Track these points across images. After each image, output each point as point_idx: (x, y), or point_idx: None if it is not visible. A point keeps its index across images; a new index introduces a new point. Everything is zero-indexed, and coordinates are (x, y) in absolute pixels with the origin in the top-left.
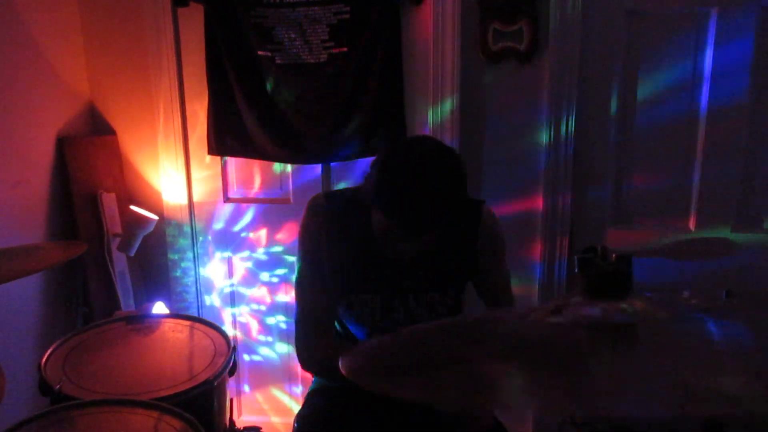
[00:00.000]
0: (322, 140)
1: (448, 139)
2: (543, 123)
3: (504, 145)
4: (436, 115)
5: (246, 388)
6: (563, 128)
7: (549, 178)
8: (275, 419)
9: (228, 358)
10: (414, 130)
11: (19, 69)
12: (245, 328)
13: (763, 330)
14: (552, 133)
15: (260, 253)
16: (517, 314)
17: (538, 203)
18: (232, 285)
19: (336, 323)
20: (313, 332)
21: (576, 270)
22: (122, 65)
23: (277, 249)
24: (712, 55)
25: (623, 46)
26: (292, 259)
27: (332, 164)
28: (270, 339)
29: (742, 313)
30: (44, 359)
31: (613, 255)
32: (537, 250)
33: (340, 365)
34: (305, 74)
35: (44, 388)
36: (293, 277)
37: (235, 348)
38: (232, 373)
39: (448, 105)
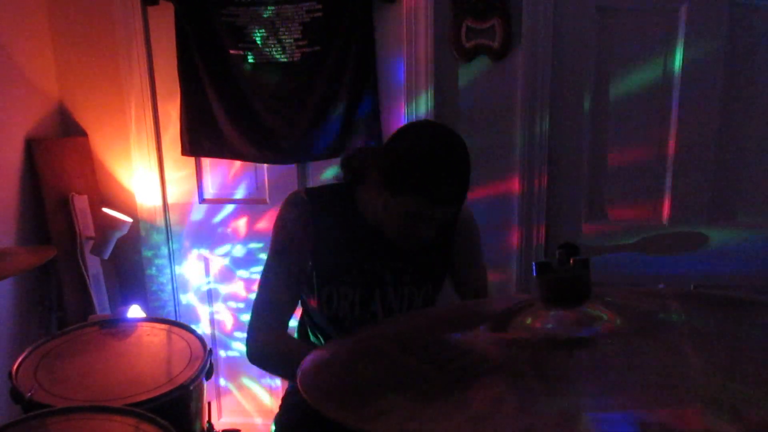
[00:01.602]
0: (297, 140)
1: None
2: (517, 119)
3: (479, 142)
4: (410, 112)
5: (226, 389)
6: (537, 124)
7: (524, 174)
8: (256, 420)
9: (204, 361)
10: (389, 128)
11: None
12: (222, 327)
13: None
14: (526, 129)
15: (237, 252)
16: (467, 323)
17: (514, 198)
18: (208, 283)
19: (303, 325)
20: (268, 325)
21: (534, 274)
22: (92, 65)
23: (254, 247)
24: (683, 50)
25: (595, 42)
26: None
27: (308, 163)
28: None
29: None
30: (15, 366)
31: (571, 259)
32: (513, 245)
33: (297, 375)
34: (278, 73)
35: (15, 395)
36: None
37: (211, 351)
38: (209, 376)
39: (422, 102)
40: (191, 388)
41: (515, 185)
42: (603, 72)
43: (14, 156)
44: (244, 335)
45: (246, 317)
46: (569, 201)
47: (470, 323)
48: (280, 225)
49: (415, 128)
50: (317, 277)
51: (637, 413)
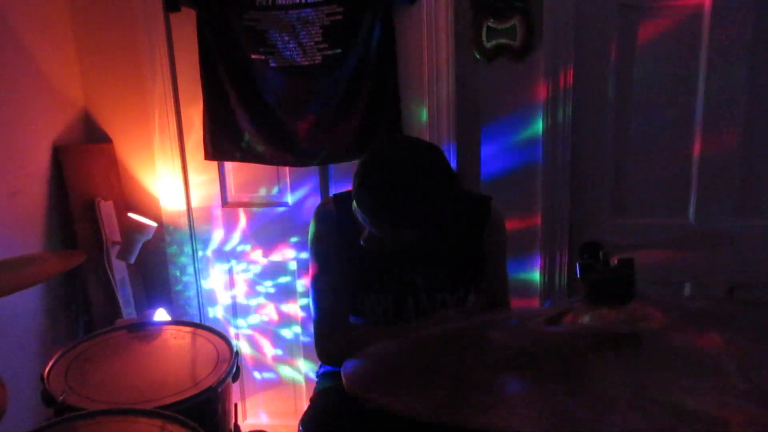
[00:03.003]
0: (319, 142)
1: (445, 137)
2: (539, 118)
3: (501, 142)
4: (431, 114)
5: (251, 390)
6: (560, 123)
7: (547, 173)
8: (279, 422)
9: (231, 364)
10: (410, 129)
11: (12, 78)
12: (249, 331)
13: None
14: (549, 128)
15: (259, 256)
16: (516, 321)
17: (537, 198)
18: (232, 287)
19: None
20: (331, 328)
21: (577, 275)
22: (116, 72)
23: (276, 252)
24: (707, 46)
25: (618, 40)
26: (292, 255)
27: (330, 166)
28: (274, 340)
29: (744, 318)
30: (47, 370)
31: (615, 259)
32: (536, 244)
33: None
34: (299, 76)
35: (47, 398)
36: (308, 281)
37: (238, 353)
38: (235, 378)
39: (443, 104)
40: (219, 390)
41: (537, 185)
42: (626, 70)
43: (42, 162)
44: (270, 341)
45: (273, 319)
46: (592, 199)
47: (514, 323)
48: (316, 242)
49: (380, 150)
50: (350, 285)
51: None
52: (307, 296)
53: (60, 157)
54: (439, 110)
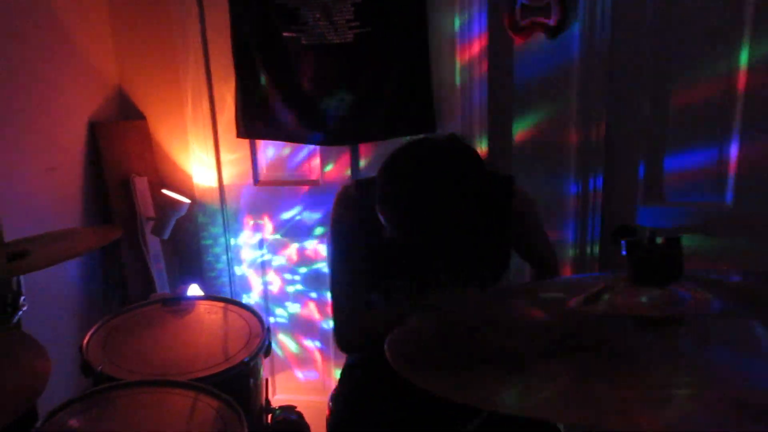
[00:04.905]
0: (349, 121)
1: (477, 119)
2: (573, 99)
3: (534, 123)
4: (464, 95)
5: (281, 367)
6: (594, 104)
7: (580, 156)
8: (309, 397)
9: (263, 340)
10: (441, 109)
11: (50, 56)
12: (278, 308)
13: None
14: (583, 108)
15: (291, 233)
16: (558, 297)
17: (570, 181)
18: (263, 265)
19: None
20: (350, 314)
21: (623, 253)
22: (150, 49)
23: (307, 228)
24: (751, 24)
25: (655, 18)
26: (321, 233)
27: (360, 145)
28: (303, 318)
29: None
30: (85, 341)
31: (662, 238)
32: (569, 228)
33: (386, 346)
34: (331, 55)
35: (86, 369)
36: (327, 262)
37: (269, 329)
38: (267, 353)
39: (476, 84)
40: (251, 365)
41: (570, 167)
42: (664, 49)
43: (79, 138)
44: (299, 317)
45: (302, 298)
46: (625, 182)
47: (554, 300)
48: (336, 227)
49: (400, 159)
50: (373, 273)
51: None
52: None
53: (96, 133)
54: (472, 90)
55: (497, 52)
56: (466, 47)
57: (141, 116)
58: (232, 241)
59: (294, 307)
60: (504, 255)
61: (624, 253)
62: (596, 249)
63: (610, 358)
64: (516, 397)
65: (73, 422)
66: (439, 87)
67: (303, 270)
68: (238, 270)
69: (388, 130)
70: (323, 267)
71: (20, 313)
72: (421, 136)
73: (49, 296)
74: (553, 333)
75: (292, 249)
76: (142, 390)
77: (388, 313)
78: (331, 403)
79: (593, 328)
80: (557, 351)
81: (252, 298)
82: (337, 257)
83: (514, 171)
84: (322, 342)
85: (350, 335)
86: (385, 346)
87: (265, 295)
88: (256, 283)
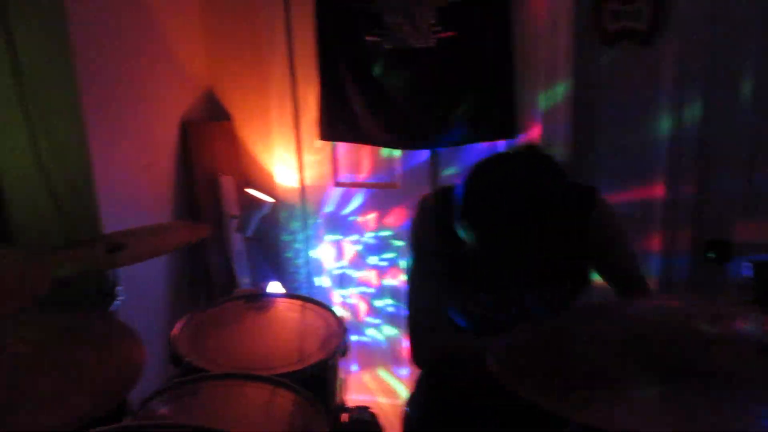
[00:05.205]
0: (430, 125)
1: (560, 126)
2: (664, 109)
3: (620, 133)
4: (547, 100)
5: (353, 368)
6: (687, 114)
7: (671, 168)
8: (381, 399)
9: (342, 340)
10: (523, 115)
11: (149, 60)
12: (353, 309)
13: None
14: (675, 119)
15: (368, 237)
16: (670, 318)
17: (659, 194)
18: (341, 267)
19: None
20: (427, 330)
21: (751, 275)
22: (237, 53)
23: (386, 233)
24: None
25: (759, 25)
26: (400, 243)
27: (440, 149)
28: (377, 321)
29: None
30: (175, 332)
31: None
32: (656, 244)
33: (487, 358)
34: (413, 59)
35: (175, 359)
36: (405, 273)
37: (347, 330)
38: (344, 354)
39: (560, 90)
40: (329, 364)
41: (660, 179)
42: (766, 57)
43: (171, 137)
44: (374, 320)
45: (378, 303)
46: (721, 194)
47: (672, 322)
48: (415, 235)
49: (482, 176)
50: (452, 281)
51: None
52: None
53: (186, 132)
54: (555, 97)
55: (583, 56)
56: (550, 50)
57: (227, 117)
58: (311, 240)
59: (370, 307)
60: (584, 268)
61: (745, 273)
62: (684, 265)
63: (717, 383)
64: (614, 411)
65: (164, 410)
66: (522, 92)
67: (380, 272)
68: (316, 274)
69: (468, 135)
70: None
71: (117, 303)
72: (498, 151)
73: (139, 287)
74: (660, 351)
75: (372, 249)
76: (227, 382)
77: (468, 339)
78: (407, 409)
79: (703, 351)
80: (664, 371)
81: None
82: (415, 269)
83: (597, 180)
84: (394, 343)
85: (426, 354)
86: (488, 355)
87: (343, 302)
88: (335, 294)
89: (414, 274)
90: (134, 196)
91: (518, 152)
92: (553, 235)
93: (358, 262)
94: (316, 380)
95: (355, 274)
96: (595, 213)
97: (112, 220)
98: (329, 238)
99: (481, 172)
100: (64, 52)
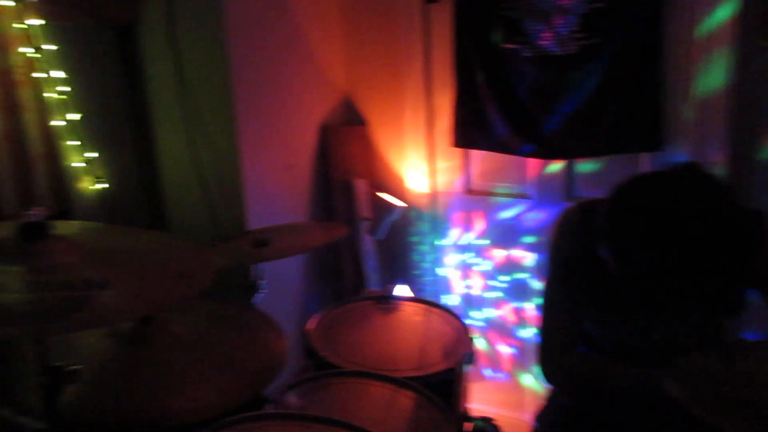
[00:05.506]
0: (566, 135)
1: (714, 138)
2: None
3: None
4: (700, 111)
5: (476, 377)
6: None
7: None
8: (503, 412)
9: (470, 348)
10: (669, 128)
11: (293, 66)
12: (480, 318)
13: None
14: None
15: (497, 247)
16: None
17: None
18: (467, 278)
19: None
20: (560, 348)
21: None
22: (374, 60)
23: (514, 245)
24: None
25: None
26: (530, 255)
27: (575, 161)
28: (504, 332)
29: None
30: (310, 327)
31: None
32: None
33: (666, 384)
34: (552, 67)
35: (310, 352)
36: (542, 285)
37: (473, 339)
38: (470, 362)
39: (715, 100)
40: (457, 372)
41: None
42: None
43: (311, 140)
44: (500, 330)
45: (505, 313)
46: None
47: None
48: (556, 251)
49: (633, 188)
50: (591, 300)
51: None
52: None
53: (324, 136)
54: (708, 107)
55: (744, 61)
56: (705, 57)
57: (362, 122)
58: (439, 245)
59: (497, 320)
60: (741, 296)
61: None
62: None
63: None
64: None
65: (300, 402)
66: (671, 101)
67: (507, 286)
68: (441, 272)
69: (608, 146)
70: (531, 284)
71: (260, 295)
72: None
73: (279, 282)
74: None
75: (497, 255)
76: (355, 380)
77: (607, 371)
78: (537, 424)
79: None
80: None
81: (452, 300)
82: (554, 284)
83: (759, 201)
84: (517, 353)
85: (559, 375)
86: (669, 382)
87: (468, 299)
88: (458, 283)
89: (551, 290)
90: (275, 196)
91: (677, 170)
92: (711, 266)
93: (486, 271)
94: (441, 386)
95: (483, 282)
96: (764, 243)
97: (255, 218)
98: (456, 245)
99: (632, 189)
100: (222, 62)
